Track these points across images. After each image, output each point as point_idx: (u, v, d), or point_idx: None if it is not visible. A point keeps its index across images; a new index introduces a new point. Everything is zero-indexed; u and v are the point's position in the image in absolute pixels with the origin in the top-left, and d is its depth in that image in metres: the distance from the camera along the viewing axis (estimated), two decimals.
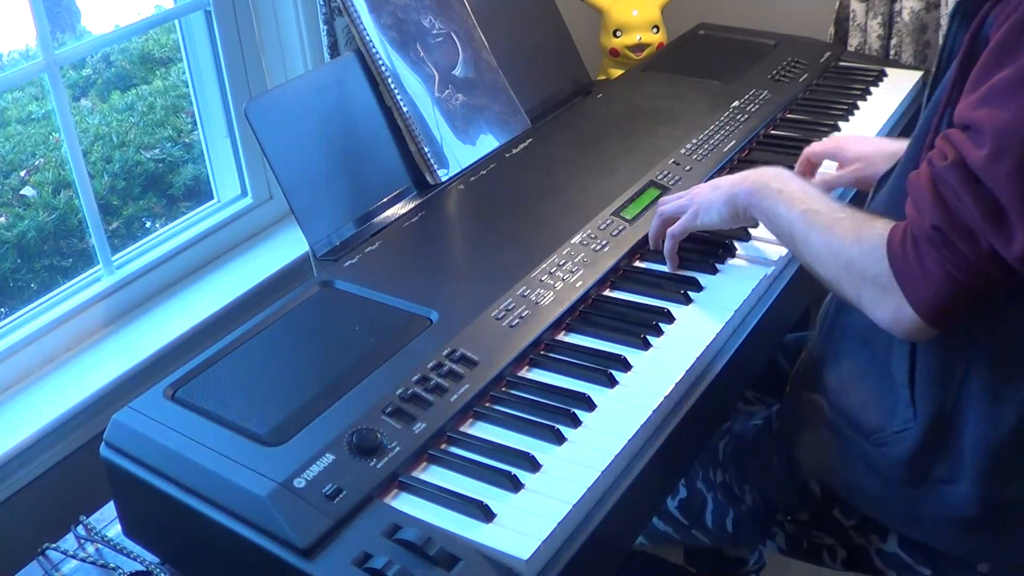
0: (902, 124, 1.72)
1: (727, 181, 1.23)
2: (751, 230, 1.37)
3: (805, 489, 1.24)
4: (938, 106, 1.01)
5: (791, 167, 1.45)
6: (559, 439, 1.03)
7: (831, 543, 1.25)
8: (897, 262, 0.97)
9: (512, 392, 1.10)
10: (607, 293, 1.27)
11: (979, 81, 0.92)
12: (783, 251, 1.32)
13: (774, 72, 1.82)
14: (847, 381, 1.17)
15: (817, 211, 1.09)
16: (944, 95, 1.00)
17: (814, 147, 1.44)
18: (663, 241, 1.30)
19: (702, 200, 1.25)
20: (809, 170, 1.45)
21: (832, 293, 1.20)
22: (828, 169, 1.45)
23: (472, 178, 1.50)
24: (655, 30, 2.08)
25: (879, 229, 1.00)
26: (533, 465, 0.99)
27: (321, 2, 1.57)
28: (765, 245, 1.34)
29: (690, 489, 1.36)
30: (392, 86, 1.47)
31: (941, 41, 1.06)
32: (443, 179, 1.50)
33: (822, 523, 1.24)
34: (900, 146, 1.37)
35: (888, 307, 0.98)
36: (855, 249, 1.01)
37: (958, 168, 0.91)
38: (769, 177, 1.18)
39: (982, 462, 1.06)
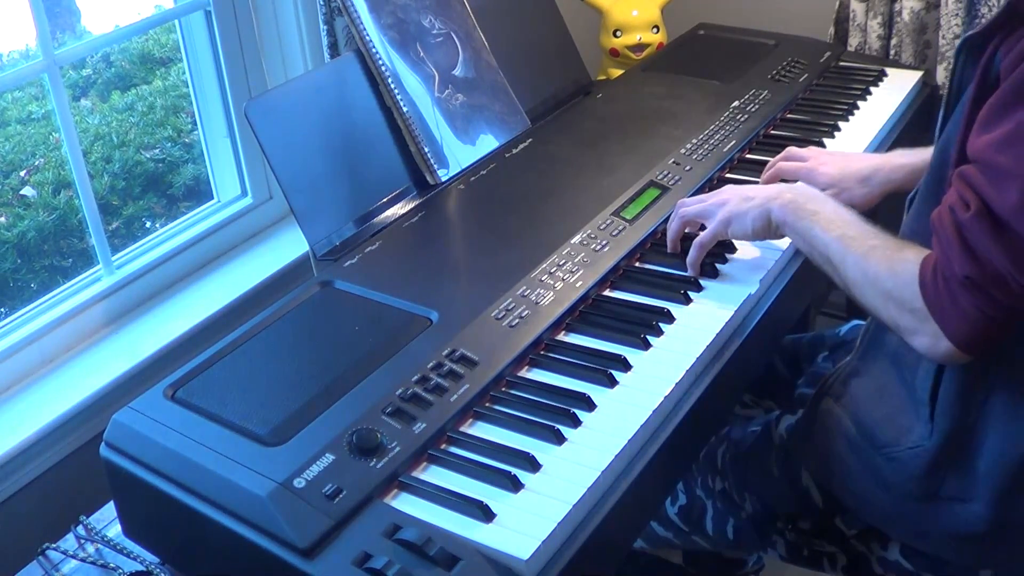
0: (902, 124, 1.72)
1: (760, 193, 1.23)
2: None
3: (806, 498, 1.24)
4: (952, 141, 1.01)
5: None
6: (559, 439, 1.03)
7: (832, 551, 1.25)
8: (931, 298, 0.99)
9: (512, 392, 1.10)
10: (607, 293, 1.27)
11: (994, 118, 0.93)
12: (783, 252, 1.33)
13: (774, 72, 1.82)
14: (870, 395, 1.18)
15: (852, 237, 1.10)
16: (959, 131, 1.00)
17: (785, 166, 1.43)
18: (680, 242, 1.30)
19: (734, 210, 1.24)
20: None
21: (869, 319, 1.21)
22: None
23: (472, 178, 1.50)
24: (655, 30, 2.08)
25: (911, 262, 1.02)
26: (533, 465, 0.99)
27: (321, 2, 1.57)
28: (765, 246, 1.34)
29: (689, 496, 1.36)
30: (392, 86, 1.47)
31: (949, 76, 1.06)
32: (443, 179, 1.50)
33: (823, 532, 1.24)
34: (870, 164, 1.38)
35: (926, 336, 1.00)
36: (890, 281, 1.03)
37: (984, 218, 0.93)
38: (806, 197, 1.18)
39: (997, 481, 1.07)
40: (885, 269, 1.04)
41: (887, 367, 1.17)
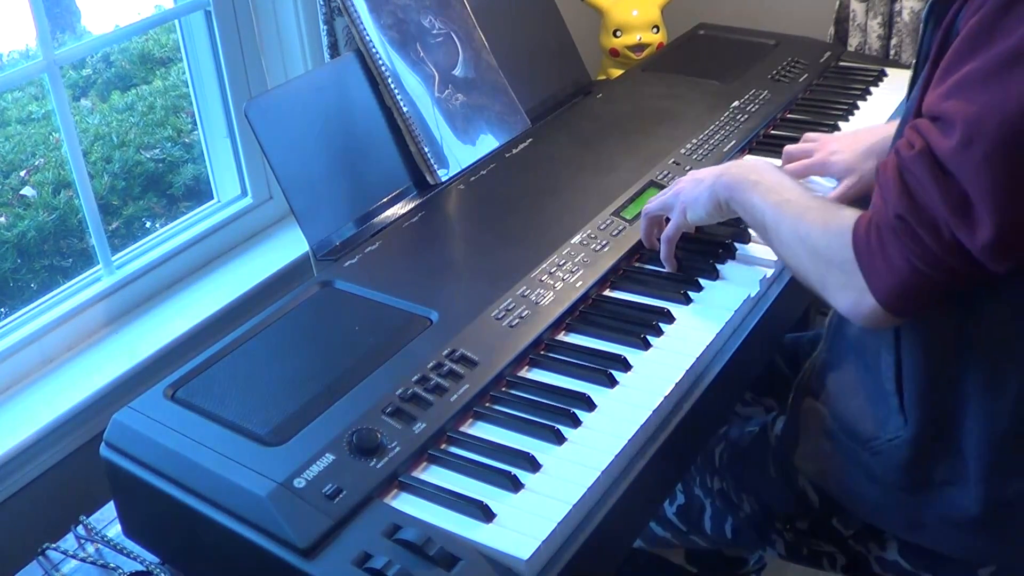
0: None
1: (709, 173, 1.22)
2: (751, 230, 1.37)
3: (803, 498, 1.24)
4: (914, 104, 1.00)
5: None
6: (559, 439, 1.03)
7: (831, 550, 1.25)
8: (861, 249, 0.97)
9: (512, 392, 1.10)
10: (607, 293, 1.27)
11: (947, 73, 0.92)
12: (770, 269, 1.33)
13: (774, 72, 1.82)
14: (844, 389, 1.17)
15: (789, 201, 1.09)
16: (919, 94, 0.99)
17: (793, 167, 1.41)
18: (658, 243, 1.29)
19: (687, 197, 1.23)
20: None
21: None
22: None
23: (472, 178, 1.50)
24: (655, 30, 2.08)
25: (847, 217, 1.00)
26: (533, 465, 0.99)
27: (321, 2, 1.57)
28: (765, 246, 1.34)
29: (688, 495, 1.36)
30: (392, 86, 1.47)
31: (918, 43, 1.05)
32: (443, 179, 1.50)
33: (821, 532, 1.24)
34: (876, 134, 1.36)
35: (850, 294, 0.98)
36: (822, 236, 1.02)
37: (925, 157, 0.91)
38: (748, 169, 1.18)
39: (984, 460, 1.05)
40: (819, 227, 1.03)
41: (852, 359, 1.16)
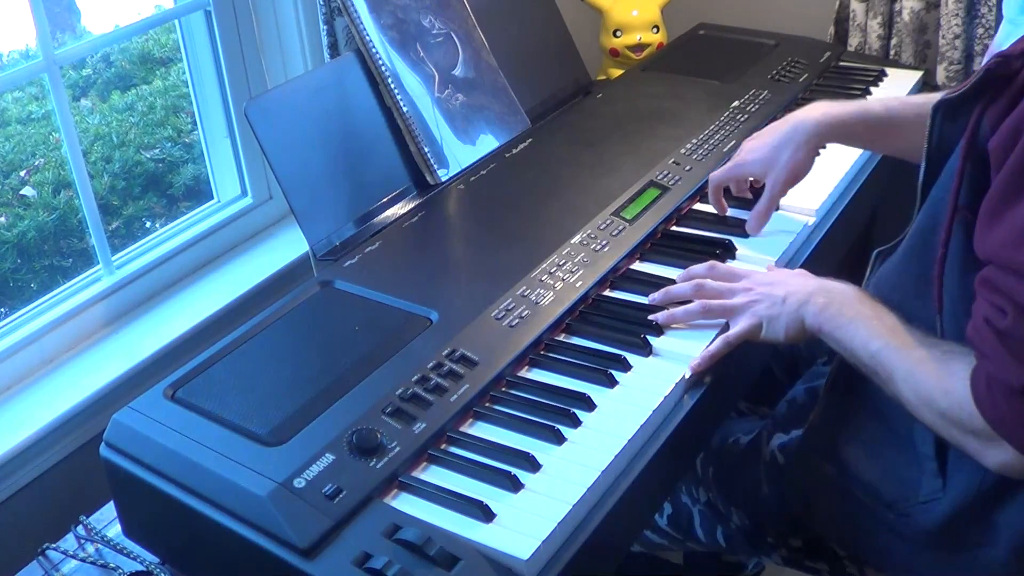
0: None
1: (791, 294, 1.12)
2: (748, 230, 1.37)
3: (799, 520, 1.22)
4: (944, 201, 0.99)
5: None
6: (559, 439, 1.03)
7: (824, 568, 1.24)
8: (991, 416, 0.92)
9: (512, 392, 1.10)
10: (607, 293, 1.27)
11: (999, 210, 0.90)
12: (782, 253, 1.33)
13: (774, 72, 1.82)
14: (864, 453, 1.15)
15: (896, 348, 1.02)
16: (951, 195, 0.97)
17: (716, 174, 1.38)
18: (679, 307, 1.19)
19: (766, 313, 1.14)
20: (722, 202, 1.39)
21: (834, 364, 1.18)
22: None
23: (472, 178, 1.50)
24: (655, 30, 2.08)
25: (960, 379, 0.95)
26: (533, 465, 0.99)
27: (321, 2, 1.57)
28: (765, 246, 1.34)
29: (675, 504, 1.34)
30: (392, 86, 1.47)
31: (927, 134, 1.03)
32: (443, 179, 1.50)
33: (816, 552, 1.23)
34: (786, 124, 1.32)
35: (997, 456, 0.95)
36: (944, 401, 0.96)
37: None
38: (840, 302, 1.09)
39: (1016, 530, 1.04)
40: (936, 387, 0.97)
41: (869, 421, 1.14)
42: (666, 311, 1.19)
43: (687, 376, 1.11)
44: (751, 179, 1.41)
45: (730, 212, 1.41)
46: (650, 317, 1.19)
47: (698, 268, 1.23)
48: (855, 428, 1.16)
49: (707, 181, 1.47)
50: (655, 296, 1.22)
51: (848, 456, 1.16)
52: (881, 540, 1.14)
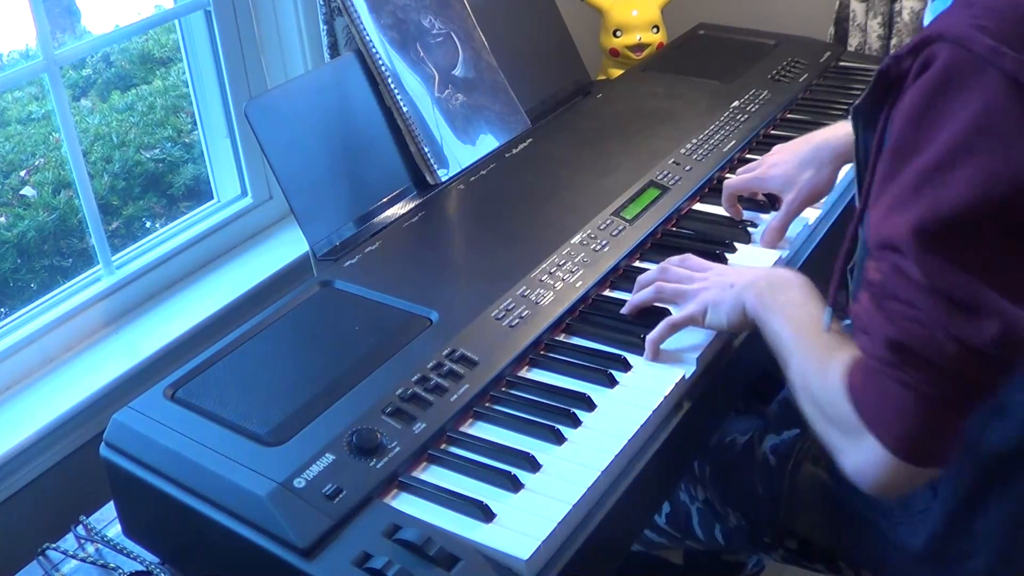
0: None
1: (741, 278, 1.11)
2: (750, 229, 1.37)
3: (792, 521, 1.22)
4: (862, 210, 0.97)
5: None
6: (559, 439, 1.03)
7: (822, 568, 1.24)
8: (858, 396, 0.87)
9: (512, 392, 1.10)
10: (607, 293, 1.27)
11: (881, 192, 0.88)
12: (782, 253, 1.33)
13: (774, 72, 1.82)
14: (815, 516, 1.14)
15: (797, 336, 0.99)
16: (861, 194, 0.97)
17: (733, 181, 1.38)
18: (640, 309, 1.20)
19: (712, 298, 1.12)
20: (737, 207, 1.40)
21: None
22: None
23: (472, 178, 1.50)
24: (655, 30, 2.08)
25: (842, 362, 0.90)
26: (533, 465, 0.99)
27: (321, 2, 1.57)
28: (765, 246, 1.34)
29: (673, 503, 1.34)
30: (392, 86, 1.47)
31: (854, 143, 1.01)
32: (443, 179, 1.50)
33: (812, 554, 1.23)
34: (812, 144, 1.33)
35: (857, 454, 0.88)
36: (818, 385, 0.92)
37: (896, 278, 0.85)
38: (777, 286, 1.06)
39: (996, 541, 1.04)
40: (815, 371, 0.93)
41: None
42: (629, 300, 1.20)
43: (686, 376, 1.11)
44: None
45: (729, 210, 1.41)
46: (622, 311, 1.20)
47: (672, 259, 1.22)
48: None
49: (708, 181, 1.48)
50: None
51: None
52: (878, 550, 1.14)
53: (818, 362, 0.94)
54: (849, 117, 1.00)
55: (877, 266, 0.88)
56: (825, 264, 1.33)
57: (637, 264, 1.33)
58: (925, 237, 0.82)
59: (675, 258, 1.22)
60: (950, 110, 0.83)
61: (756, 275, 1.11)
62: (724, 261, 1.30)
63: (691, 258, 1.22)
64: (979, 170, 0.81)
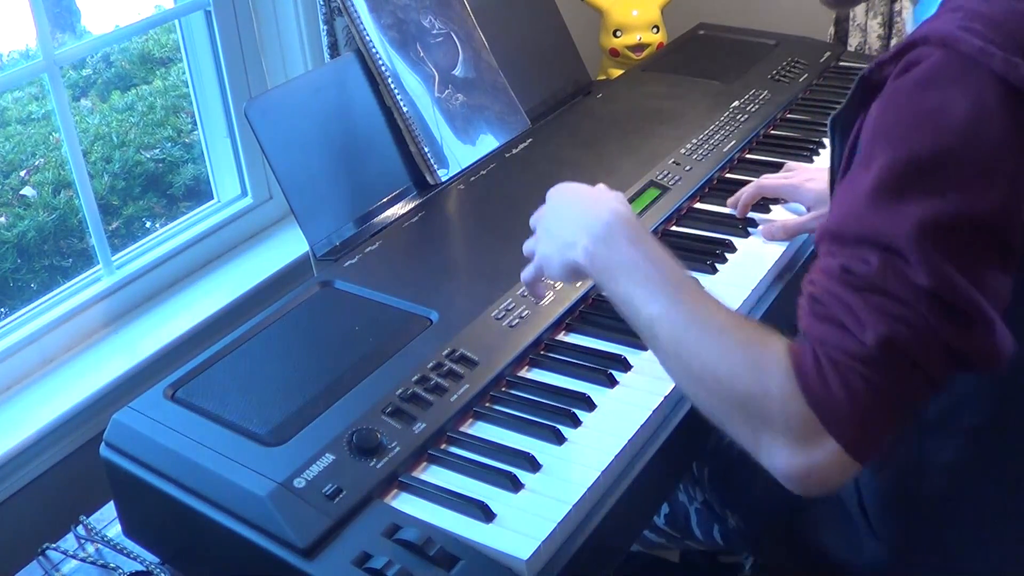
0: None
1: (570, 228, 0.99)
2: (751, 229, 1.37)
3: (790, 525, 1.21)
4: None
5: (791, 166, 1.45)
6: (559, 439, 1.03)
7: (821, 570, 1.24)
8: (820, 398, 0.79)
9: (512, 392, 1.10)
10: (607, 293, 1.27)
11: (855, 181, 0.84)
12: (782, 251, 1.33)
13: (774, 72, 1.82)
14: (810, 521, 1.14)
15: (690, 310, 0.88)
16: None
17: (768, 181, 1.39)
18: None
19: (545, 252, 1.04)
20: (748, 206, 1.40)
21: None
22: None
23: (472, 178, 1.50)
24: (655, 30, 2.08)
25: (781, 353, 0.82)
26: (533, 465, 0.99)
27: (321, 2, 1.57)
28: (765, 245, 1.34)
29: (672, 503, 1.34)
30: (392, 86, 1.47)
31: (830, 152, 0.99)
32: (443, 179, 1.50)
33: (811, 556, 1.22)
34: None
35: (800, 458, 0.81)
36: (750, 381, 0.82)
37: (890, 275, 0.79)
38: (615, 240, 0.95)
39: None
40: (742, 362, 0.83)
41: None
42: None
43: None
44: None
45: (733, 210, 1.41)
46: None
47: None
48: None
49: (708, 181, 1.48)
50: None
51: (798, 526, 1.16)
52: (871, 553, 1.13)
53: (741, 354, 0.83)
54: (828, 128, 0.98)
55: (862, 257, 0.80)
56: None
57: None
58: (930, 237, 0.78)
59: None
60: (941, 106, 0.80)
61: (585, 221, 0.98)
62: (724, 261, 1.31)
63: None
64: (977, 173, 0.80)
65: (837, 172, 0.94)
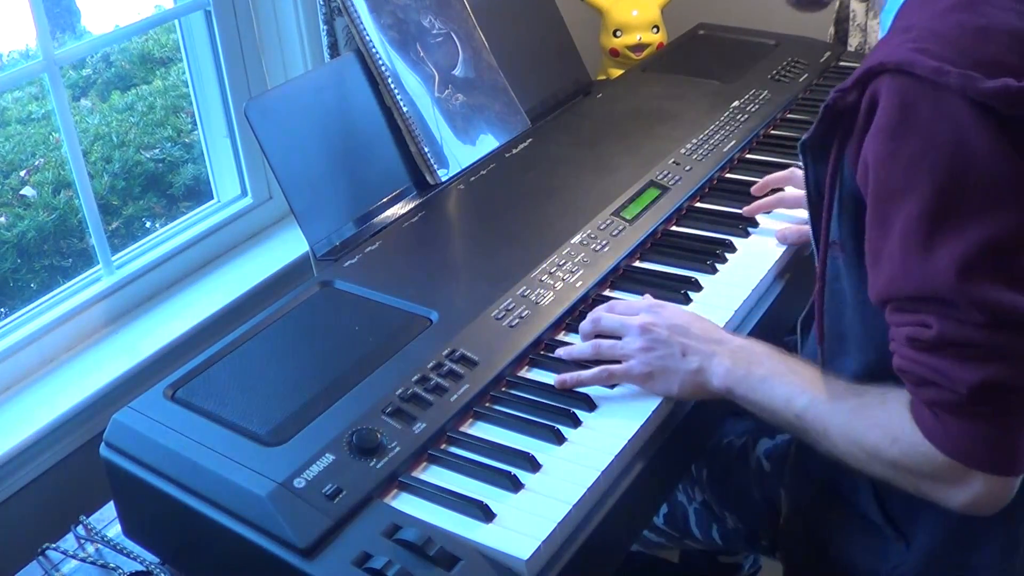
0: None
1: (696, 349, 1.05)
2: (751, 229, 1.37)
3: (789, 525, 1.21)
4: (842, 244, 0.98)
5: (795, 166, 1.45)
6: (559, 439, 1.03)
7: (821, 571, 1.24)
8: (950, 447, 0.87)
9: (512, 392, 1.10)
10: (607, 293, 1.27)
11: (879, 248, 0.89)
12: (783, 251, 1.33)
13: (774, 72, 1.82)
14: (832, 530, 1.14)
15: (825, 401, 0.96)
16: (821, 229, 0.98)
17: (792, 194, 1.39)
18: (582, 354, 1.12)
19: (661, 364, 1.06)
20: (766, 192, 1.41)
21: (794, 439, 1.14)
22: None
23: (472, 178, 1.50)
24: (655, 30, 2.08)
25: (904, 418, 0.90)
26: (533, 465, 0.99)
27: (321, 2, 1.57)
28: (765, 245, 1.34)
29: (671, 503, 1.34)
30: (392, 86, 1.47)
31: (803, 177, 1.00)
32: (443, 179, 1.50)
33: (810, 556, 1.23)
34: None
35: (962, 494, 0.89)
36: (894, 449, 0.90)
37: (953, 325, 0.85)
38: (748, 360, 1.03)
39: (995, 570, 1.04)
40: (881, 436, 0.91)
41: (825, 496, 1.12)
42: (573, 373, 1.09)
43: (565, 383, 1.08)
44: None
45: (731, 208, 1.41)
46: (555, 381, 1.10)
47: (600, 307, 1.15)
48: (819, 506, 1.15)
49: (708, 181, 1.48)
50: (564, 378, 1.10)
51: (821, 534, 1.15)
52: (871, 554, 1.13)
53: (878, 426, 0.92)
54: (798, 152, 0.99)
55: (920, 321, 0.87)
56: (807, 285, 1.35)
57: (637, 264, 1.33)
58: (968, 274, 0.83)
59: (602, 306, 1.16)
60: (924, 148, 0.84)
61: (709, 346, 1.05)
62: (724, 261, 1.30)
63: (618, 305, 1.15)
64: (982, 194, 0.83)
65: (813, 196, 0.99)
